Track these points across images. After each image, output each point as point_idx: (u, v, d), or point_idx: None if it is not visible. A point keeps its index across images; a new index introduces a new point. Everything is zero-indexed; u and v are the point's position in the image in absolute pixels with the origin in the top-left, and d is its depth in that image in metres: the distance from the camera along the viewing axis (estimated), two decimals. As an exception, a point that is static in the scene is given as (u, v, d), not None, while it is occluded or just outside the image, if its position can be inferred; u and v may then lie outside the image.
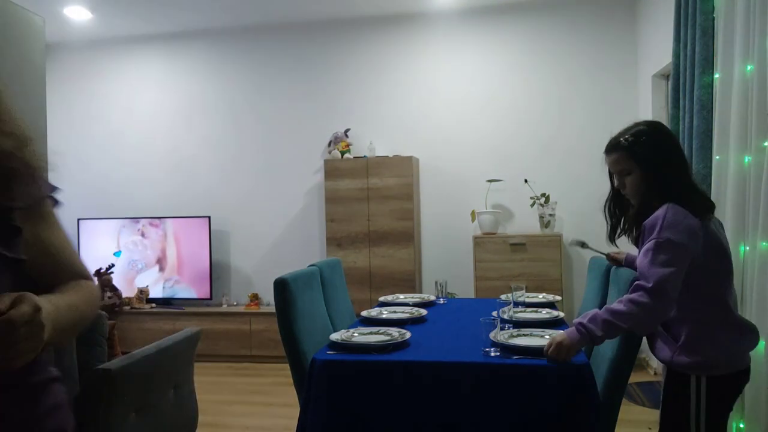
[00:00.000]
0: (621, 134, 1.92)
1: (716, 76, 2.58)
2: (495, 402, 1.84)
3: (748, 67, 2.33)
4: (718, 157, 2.55)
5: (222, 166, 5.54)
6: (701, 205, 1.80)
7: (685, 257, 1.72)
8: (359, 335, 2.20)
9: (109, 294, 5.24)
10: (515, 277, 4.54)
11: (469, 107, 5.12)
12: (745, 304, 2.33)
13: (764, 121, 2.21)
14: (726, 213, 2.43)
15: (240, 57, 5.50)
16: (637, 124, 1.92)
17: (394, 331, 2.20)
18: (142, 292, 5.32)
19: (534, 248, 4.61)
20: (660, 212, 1.76)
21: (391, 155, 5.01)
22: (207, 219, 5.30)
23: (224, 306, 5.33)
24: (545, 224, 4.77)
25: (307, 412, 1.99)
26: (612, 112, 4.82)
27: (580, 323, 1.82)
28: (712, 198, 2.57)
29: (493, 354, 1.93)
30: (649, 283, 1.70)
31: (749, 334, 1.83)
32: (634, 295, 1.73)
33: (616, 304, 1.77)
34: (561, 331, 1.89)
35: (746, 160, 2.37)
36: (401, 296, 3.23)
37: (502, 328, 2.11)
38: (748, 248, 2.34)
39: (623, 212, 2.00)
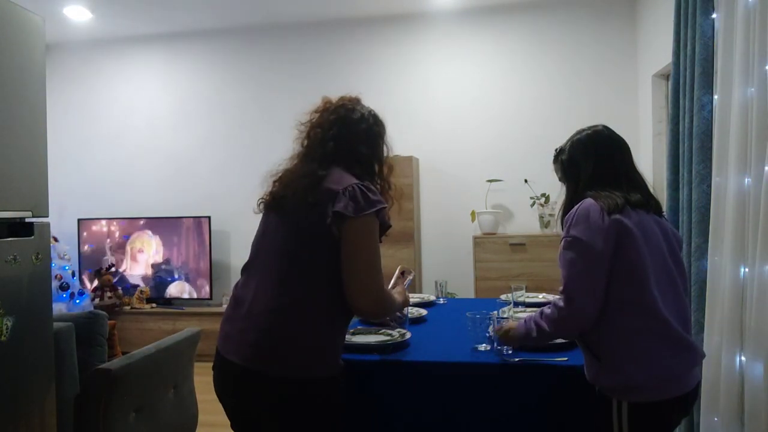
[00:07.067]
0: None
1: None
2: (495, 402, 1.84)
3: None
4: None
5: (222, 166, 5.54)
6: (614, 201, 1.68)
7: (594, 256, 1.61)
8: (359, 335, 2.20)
9: (109, 294, 5.25)
10: (515, 277, 4.54)
11: (469, 107, 5.12)
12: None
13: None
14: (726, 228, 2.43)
15: (240, 57, 5.50)
16: (576, 132, 1.94)
17: (394, 331, 2.20)
18: (142, 292, 5.32)
19: (534, 248, 4.61)
20: (575, 208, 1.73)
21: (391, 155, 4.99)
22: (207, 219, 5.30)
23: (224, 306, 5.32)
24: (545, 224, 4.77)
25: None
26: (612, 111, 4.81)
27: (525, 320, 1.82)
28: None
29: (481, 349, 1.95)
30: (562, 286, 1.66)
31: (685, 352, 1.58)
32: (557, 298, 1.69)
33: (548, 307, 1.74)
34: (517, 321, 1.89)
35: (746, 181, 2.33)
36: (401, 296, 3.21)
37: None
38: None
39: None
